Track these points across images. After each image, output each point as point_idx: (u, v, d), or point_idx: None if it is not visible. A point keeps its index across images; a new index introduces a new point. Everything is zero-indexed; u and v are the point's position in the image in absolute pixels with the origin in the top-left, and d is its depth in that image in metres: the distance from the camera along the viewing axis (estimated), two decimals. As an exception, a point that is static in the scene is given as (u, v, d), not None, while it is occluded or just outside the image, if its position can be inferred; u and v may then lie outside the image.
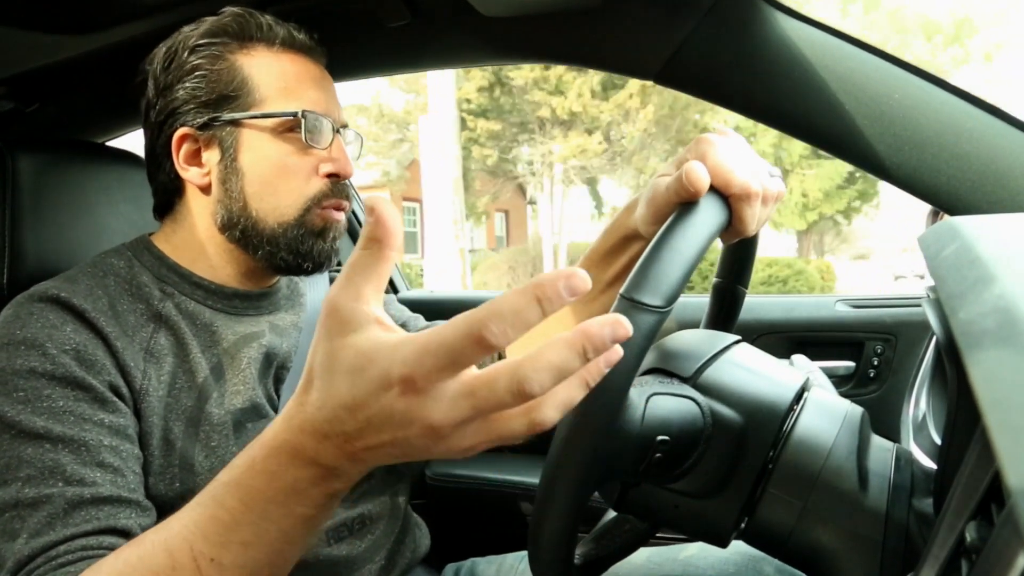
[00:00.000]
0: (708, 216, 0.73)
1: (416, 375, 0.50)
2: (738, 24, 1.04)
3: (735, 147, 0.79)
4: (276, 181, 1.03)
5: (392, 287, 2.25)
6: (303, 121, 1.02)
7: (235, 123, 1.02)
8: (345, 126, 1.10)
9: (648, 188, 0.85)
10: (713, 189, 0.74)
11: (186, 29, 1.04)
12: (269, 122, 1.02)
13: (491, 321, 0.48)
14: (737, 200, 0.76)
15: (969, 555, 0.45)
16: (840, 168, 13.25)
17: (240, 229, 1.03)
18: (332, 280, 1.26)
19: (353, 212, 2.13)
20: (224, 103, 1.02)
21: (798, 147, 13.35)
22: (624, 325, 0.49)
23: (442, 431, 0.51)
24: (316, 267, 1.08)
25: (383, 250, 0.54)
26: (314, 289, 1.21)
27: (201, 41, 1.02)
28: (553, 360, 0.48)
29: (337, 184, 1.07)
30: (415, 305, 1.43)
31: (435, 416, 0.51)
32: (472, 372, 0.51)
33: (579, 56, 1.23)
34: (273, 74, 1.03)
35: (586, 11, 1.13)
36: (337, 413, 0.54)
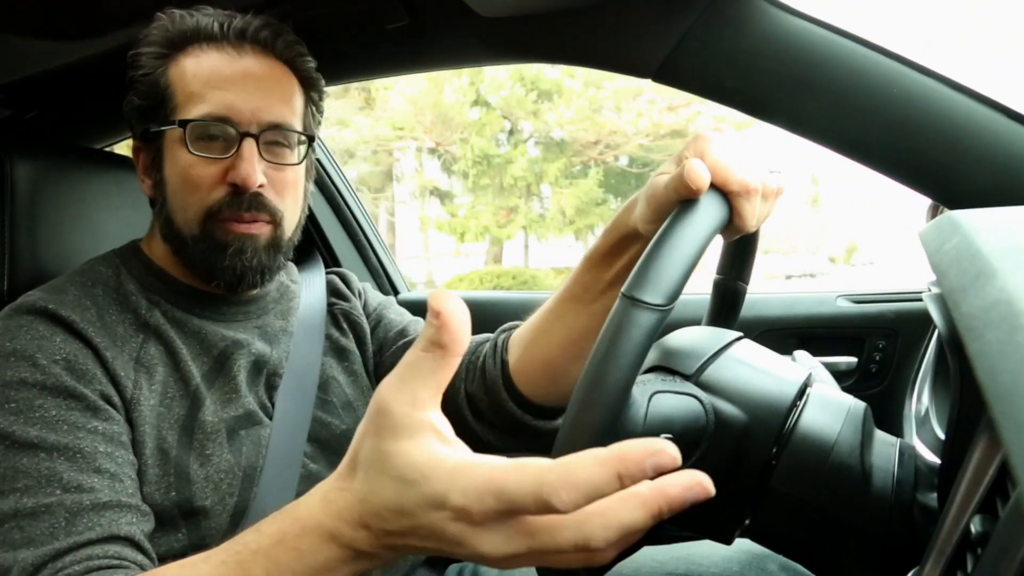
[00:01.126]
0: (708, 213, 0.73)
1: (473, 510, 0.49)
2: (735, 21, 1.04)
3: (733, 144, 0.78)
4: (184, 192, 1.00)
5: (393, 288, 2.24)
6: (183, 131, 0.97)
7: (159, 134, 1.01)
8: (275, 126, 1.01)
9: (647, 186, 0.85)
10: (713, 186, 0.74)
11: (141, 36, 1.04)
12: (178, 132, 0.99)
13: (563, 489, 0.46)
14: (737, 197, 0.76)
15: (974, 548, 0.45)
16: (592, 189, 13.68)
17: (172, 240, 1.03)
18: (328, 281, 1.26)
19: (338, 192, 2.11)
20: (150, 114, 1.02)
21: (554, 168, 13.71)
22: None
23: (490, 559, 0.50)
24: (228, 285, 1.03)
25: (447, 357, 0.52)
26: (307, 291, 1.20)
27: (141, 50, 1.02)
28: (625, 520, 0.47)
29: (237, 196, 0.99)
30: (416, 307, 1.42)
31: (486, 547, 0.50)
32: (533, 520, 0.50)
33: (577, 55, 1.23)
34: (187, 78, 1.00)
35: (584, 10, 1.13)
36: (381, 512, 0.53)
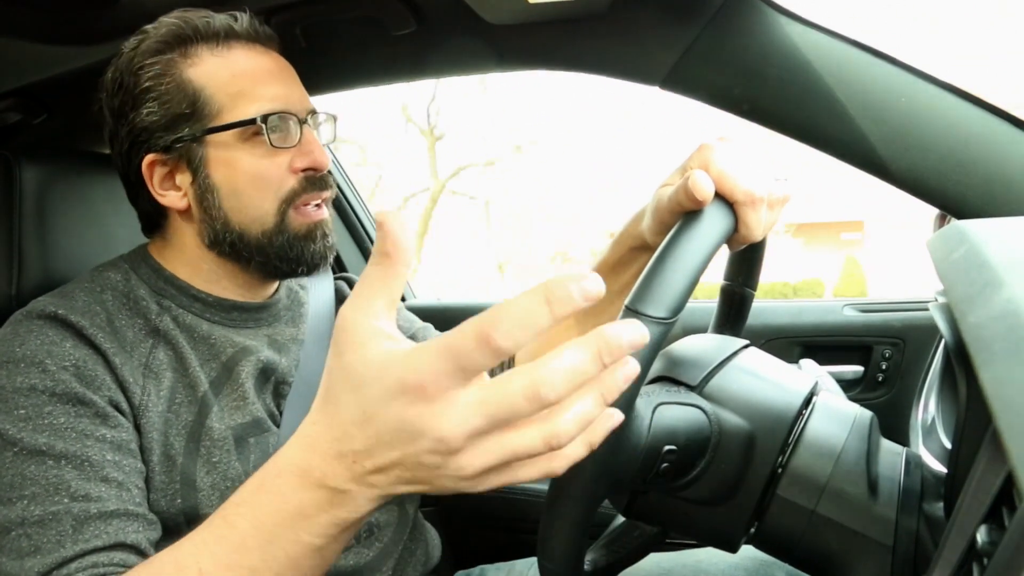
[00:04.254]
0: (713, 225, 0.72)
1: (426, 381, 0.49)
2: (743, 29, 1.04)
3: (739, 152, 0.78)
4: (251, 190, 1.00)
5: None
6: (263, 126, 0.98)
7: (198, 140, 0.98)
8: (313, 112, 1.05)
9: (653, 198, 0.85)
10: (718, 196, 0.74)
11: (127, 48, 1.00)
12: (232, 132, 0.98)
13: (500, 322, 0.47)
14: (742, 206, 0.75)
15: (980, 559, 0.45)
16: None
17: (228, 244, 1.01)
18: (336, 287, 1.25)
19: (345, 199, 2.12)
20: (182, 122, 0.98)
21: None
22: (640, 330, 0.49)
23: (453, 443, 0.50)
24: (311, 269, 1.05)
25: (394, 265, 0.53)
26: (316, 298, 1.19)
27: (144, 61, 0.98)
28: (568, 363, 0.48)
29: (312, 178, 1.02)
30: (425, 313, 1.43)
31: (446, 425, 0.50)
32: (485, 380, 0.51)
33: (585, 63, 1.23)
34: (223, 78, 0.99)
35: (591, 18, 1.13)
36: (347, 430, 0.54)
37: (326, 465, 0.56)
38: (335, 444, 0.55)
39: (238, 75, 0.99)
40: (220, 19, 1.00)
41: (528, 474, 0.54)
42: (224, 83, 0.99)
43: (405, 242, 0.53)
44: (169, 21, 0.99)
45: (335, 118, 1.13)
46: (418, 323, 1.29)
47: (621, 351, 0.48)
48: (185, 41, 0.99)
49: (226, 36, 1.00)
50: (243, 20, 1.01)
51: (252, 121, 0.98)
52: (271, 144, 0.98)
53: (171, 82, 0.98)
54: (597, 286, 0.47)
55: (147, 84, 0.98)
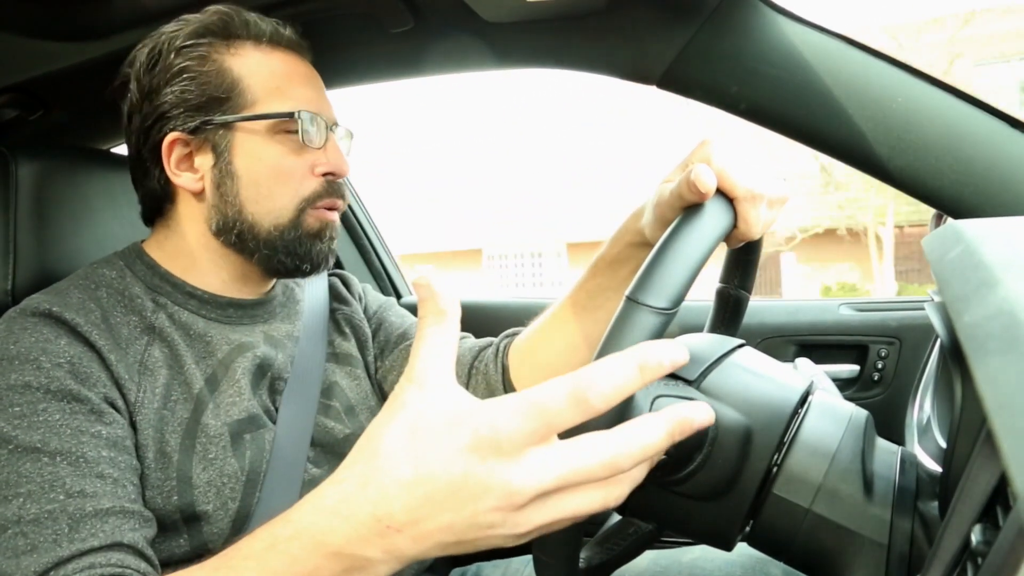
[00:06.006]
0: (713, 219, 0.73)
1: (503, 437, 0.49)
2: (741, 28, 1.05)
3: (739, 149, 0.79)
4: (272, 183, 1.01)
5: (395, 292, 2.24)
6: (299, 121, 1.00)
7: (228, 126, 1.00)
8: (336, 124, 1.08)
9: (654, 193, 0.86)
10: (718, 192, 0.74)
11: (168, 29, 1.02)
12: (263, 123, 1.00)
13: (596, 384, 0.48)
14: (742, 202, 0.76)
15: (975, 558, 0.45)
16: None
17: (236, 233, 1.02)
18: (330, 283, 1.26)
19: (350, 208, 2.13)
20: (215, 105, 1.00)
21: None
22: (711, 414, 0.53)
23: (521, 499, 0.50)
24: (314, 269, 1.06)
25: (451, 321, 0.56)
26: (310, 295, 1.20)
27: (187, 42, 1.00)
28: (646, 437, 0.51)
29: (332, 183, 1.05)
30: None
31: (518, 480, 0.49)
32: (561, 441, 0.50)
33: (581, 62, 1.23)
34: (264, 73, 1.01)
35: (588, 16, 1.13)
36: (388, 492, 0.52)
37: (351, 531, 0.54)
38: (368, 507, 0.53)
39: (277, 73, 1.02)
40: (267, 22, 1.03)
41: (582, 510, 0.53)
42: (263, 77, 1.01)
43: (454, 299, 0.56)
44: (219, 9, 1.02)
45: (352, 135, 1.15)
46: (410, 319, 1.29)
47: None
48: (232, 32, 1.01)
49: (270, 39, 1.03)
50: (288, 29, 1.05)
51: (290, 115, 1.00)
52: (302, 141, 1.01)
53: (212, 66, 1.00)
54: (683, 356, 0.50)
55: (186, 63, 1.00)
